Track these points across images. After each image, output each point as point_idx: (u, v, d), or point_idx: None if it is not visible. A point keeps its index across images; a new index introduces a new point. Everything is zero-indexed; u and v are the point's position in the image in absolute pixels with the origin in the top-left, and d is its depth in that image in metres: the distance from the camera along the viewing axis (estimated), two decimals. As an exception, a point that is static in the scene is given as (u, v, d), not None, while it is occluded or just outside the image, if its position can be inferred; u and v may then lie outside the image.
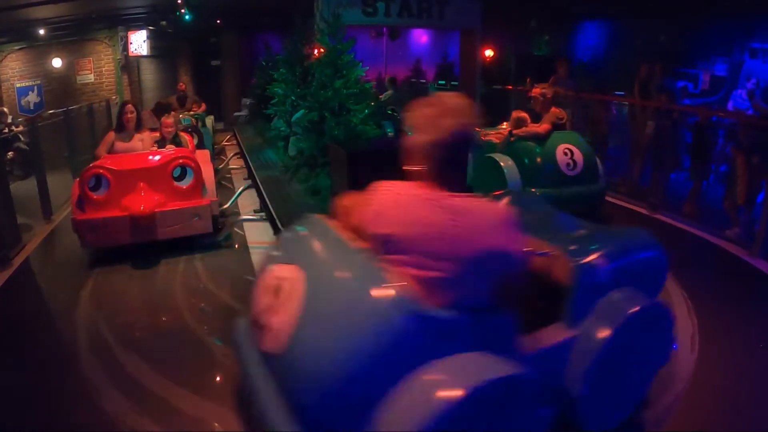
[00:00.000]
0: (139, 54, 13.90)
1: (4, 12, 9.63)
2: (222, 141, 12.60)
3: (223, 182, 8.62)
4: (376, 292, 1.84)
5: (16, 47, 12.51)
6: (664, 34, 10.51)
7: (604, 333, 2.45)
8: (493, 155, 6.15)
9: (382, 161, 4.71)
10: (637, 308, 2.52)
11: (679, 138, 7.08)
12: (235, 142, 12.19)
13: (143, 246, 5.39)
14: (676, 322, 2.83)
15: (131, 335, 3.91)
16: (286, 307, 1.96)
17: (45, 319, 4.37)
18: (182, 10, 12.01)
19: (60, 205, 7.32)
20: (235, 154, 10.74)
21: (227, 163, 10.12)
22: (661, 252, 2.96)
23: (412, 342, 1.78)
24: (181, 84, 13.12)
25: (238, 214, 6.84)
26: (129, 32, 13.52)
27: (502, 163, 6.00)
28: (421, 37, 16.43)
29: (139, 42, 13.72)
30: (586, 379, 2.41)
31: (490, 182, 5.94)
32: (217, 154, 10.60)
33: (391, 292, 1.81)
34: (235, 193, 7.45)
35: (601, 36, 12.52)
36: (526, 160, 5.93)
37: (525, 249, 2.05)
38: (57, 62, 12.96)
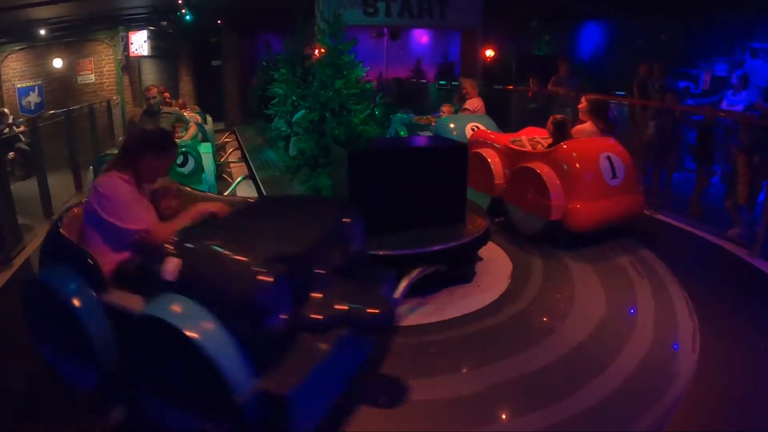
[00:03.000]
0: (140, 54, 13.90)
1: (5, 12, 9.64)
2: (222, 138, 12.61)
3: (223, 175, 8.65)
4: None
5: (17, 47, 12.51)
6: (665, 33, 10.52)
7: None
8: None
9: (383, 161, 4.73)
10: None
11: (680, 138, 7.07)
12: (234, 138, 12.24)
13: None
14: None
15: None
16: None
17: (46, 320, 4.37)
18: (183, 11, 12.01)
19: (61, 205, 7.32)
20: (235, 149, 10.77)
21: (227, 157, 10.16)
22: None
23: None
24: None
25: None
26: (130, 32, 13.52)
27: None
28: (421, 37, 16.42)
29: (139, 42, 13.72)
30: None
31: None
32: (217, 150, 10.63)
33: None
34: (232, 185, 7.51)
35: (601, 36, 12.52)
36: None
37: None
38: (58, 62, 12.97)
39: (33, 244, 6.01)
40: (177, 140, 6.25)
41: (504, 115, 9.57)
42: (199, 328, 2.31)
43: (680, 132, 7.04)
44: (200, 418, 2.45)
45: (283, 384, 2.32)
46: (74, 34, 12.81)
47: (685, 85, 9.27)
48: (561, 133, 5.77)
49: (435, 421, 2.96)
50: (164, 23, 13.60)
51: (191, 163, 6.29)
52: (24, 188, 7.66)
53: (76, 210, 3.21)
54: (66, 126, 8.48)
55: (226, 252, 2.55)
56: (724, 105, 7.56)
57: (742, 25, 9.54)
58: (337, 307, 2.71)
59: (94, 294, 2.77)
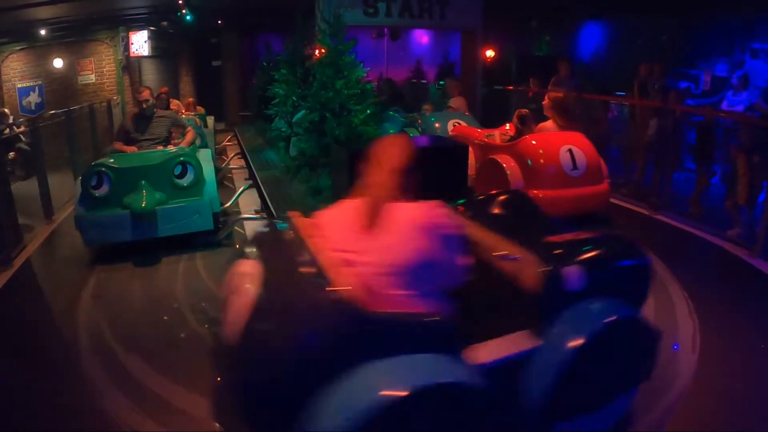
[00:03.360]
0: (141, 54, 13.91)
1: (5, 12, 9.63)
2: (223, 141, 12.61)
3: (224, 182, 8.63)
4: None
5: (18, 48, 12.51)
6: (665, 34, 10.52)
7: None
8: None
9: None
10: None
11: (681, 138, 7.07)
12: (235, 142, 12.22)
13: (144, 244, 5.44)
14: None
15: (132, 335, 3.92)
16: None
17: (46, 320, 4.37)
18: (183, 11, 12.00)
19: (61, 205, 7.33)
20: (236, 154, 10.76)
21: (228, 163, 10.13)
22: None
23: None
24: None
25: (239, 213, 6.85)
26: (130, 33, 13.52)
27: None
28: (422, 37, 16.42)
29: (140, 42, 13.72)
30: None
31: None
32: (218, 155, 10.61)
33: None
34: (235, 192, 7.47)
35: (602, 36, 12.52)
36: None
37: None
38: (58, 63, 12.97)
39: (33, 244, 6.02)
40: (174, 147, 6.05)
41: (504, 115, 9.58)
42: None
43: (680, 132, 7.03)
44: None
45: None
46: (75, 35, 12.81)
47: (686, 86, 9.27)
48: (525, 126, 6.27)
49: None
50: (164, 23, 13.61)
51: (190, 175, 5.60)
52: (24, 188, 7.66)
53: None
54: (66, 126, 8.48)
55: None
56: (724, 105, 7.56)
57: (743, 26, 9.55)
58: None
59: None
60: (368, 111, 6.03)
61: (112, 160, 5.54)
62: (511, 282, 2.36)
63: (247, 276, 2.10)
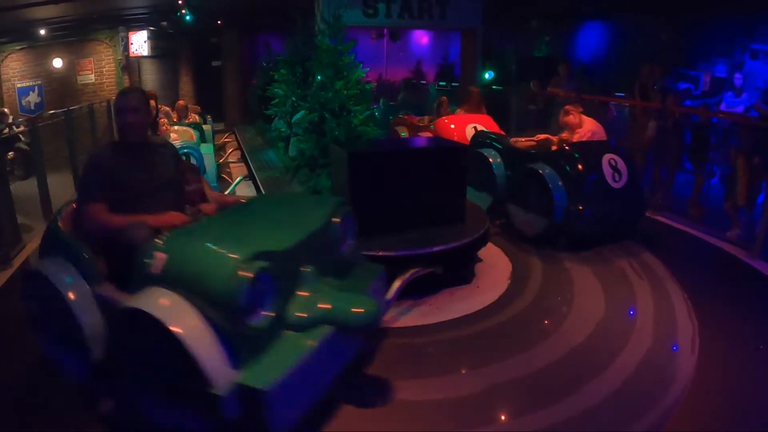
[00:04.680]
0: (140, 54, 13.92)
1: (5, 12, 9.64)
2: (222, 139, 12.61)
3: (223, 176, 8.65)
4: None
5: (17, 47, 12.52)
6: (665, 35, 10.51)
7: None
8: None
9: (381, 161, 4.74)
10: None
11: (680, 139, 7.07)
12: (233, 139, 12.25)
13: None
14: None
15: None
16: None
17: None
18: (183, 11, 12.01)
19: (60, 205, 7.32)
20: (235, 149, 10.79)
21: (227, 158, 10.17)
22: None
23: None
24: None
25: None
26: (130, 32, 13.53)
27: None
28: (421, 38, 16.44)
29: (139, 42, 13.73)
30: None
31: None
32: (217, 151, 10.64)
33: None
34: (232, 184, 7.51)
35: (602, 37, 12.52)
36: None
37: None
38: (58, 62, 12.97)
39: (32, 243, 6.01)
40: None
41: (504, 116, 9.59)
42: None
43: (680, 133, 7.03)
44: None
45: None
46: (74, 34, 12.82)
47: (686, 87, 9.26)
48: (442, 111, 8.35)
49: (432, 422, 2.96)
50: (164, 23, 13.62)
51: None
52: (23, 188, 7.66)
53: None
54: (66, 126, 8.47)
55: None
56: (722, 107, 7.56)
57: (742, 27, 9.54)
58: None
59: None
60: (368, 112, 6.02)
61: None
62: None
63: None
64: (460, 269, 4.71)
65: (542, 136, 6.50)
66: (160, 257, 2.58)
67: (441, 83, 13.51)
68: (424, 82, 14.57)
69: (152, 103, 6.61)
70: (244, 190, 7.40)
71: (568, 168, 5.39)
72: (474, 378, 3.39)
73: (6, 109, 10.89)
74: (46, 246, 3.25)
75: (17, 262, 5.45)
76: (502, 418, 3.08)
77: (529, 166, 5.62)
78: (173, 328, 2.32)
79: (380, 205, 4.48)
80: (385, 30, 14.39)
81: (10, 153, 8.99)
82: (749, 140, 5.84)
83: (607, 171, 5.41)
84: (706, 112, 7.34)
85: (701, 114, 7.20)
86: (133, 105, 3.06)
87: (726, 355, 3.58)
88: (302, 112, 6.93)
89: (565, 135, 6.18)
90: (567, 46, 13.02)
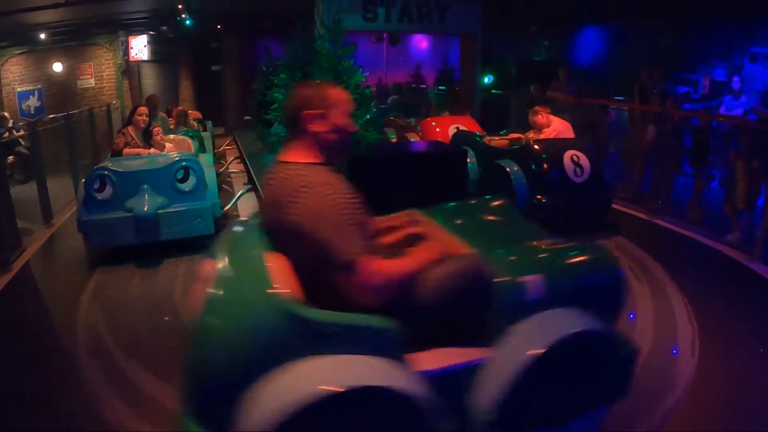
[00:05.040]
0: (140, 59, 13.92)
1: (5, 16, 9.65)
2: (222, 146, 12.62)
3: (223, 185, 8.64)
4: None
5: (17, 51, 12.53)
6: (664, 38, 10.54)
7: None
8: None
9: (382, 166, 4.75)
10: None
11: (680, 143, 7.08)
12: (234, 146, 12.24)
13: (145, 247, 5.46)
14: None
15: (132, 339, 3.91)
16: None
17: (45, 323, 4.37)
18: (183, 15, 12.03)
19: (60, 209, 7.33)
20: (235, 158, 10.77)
21: (227, 167, 10.14)
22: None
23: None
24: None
25: (238, 216, 6.84)
26: (130, 37, 13.54)
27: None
28: (421, 42, 16.46)
29: (139, 47, 13.74)
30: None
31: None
32: (217, 159, 10.62)
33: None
34: (234, 196, 7.47)
35: (601, 41, 12.55)
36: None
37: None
38: (58, 67, 12.98)
39: (32, 247, 6.01)
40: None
41: (504, 120, 9.62)
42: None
43: (680, 137, 7.04)
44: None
45: None
46: (74, 39, 12.82)
47: (685, 90, 9.28)
48: (428, 113, 9.09)
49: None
50: (164, 28, 13.62)
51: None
52: (23, 192, 7.66)
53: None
54: (66, 130, 8.48)
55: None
56: (722, 110, 7.58)
57: (741, 30, 9.56)
58: None
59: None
60: (367, 116, 6.04)
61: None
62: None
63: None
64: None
65: (514, 136, 6.93)
66: (536, 279, 2.29)
67: (441, 87, 13.52)
68: (424, 86, 14.59)
69: (142, 109, 6.56)
70: (247, 203, 7.35)
71: (533, 166, 5.92)
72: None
73: (6, 113, 10.90)
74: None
75: (17, 266, 5.44)
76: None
77: (496, 162, 6.15)
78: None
79: (380, 210, 4.47)
80: (385, 34, 14.41)
81: (10, 157, 9.00)
82: (748, 144, 5.85)
83: (569, 166, 5.86)
84: (706, 115, 7.35)
85: (701, 117, 7.21)
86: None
87: (726, 358, 3.58)
88: (302, 117, 6.94)
89: (531, 134, 6.64)
90: (566, 50, 13.06)
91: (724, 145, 6.82)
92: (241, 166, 9.90)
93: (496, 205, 3.32)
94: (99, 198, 5.31)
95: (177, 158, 5.73)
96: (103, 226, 5.30)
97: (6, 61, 12.49)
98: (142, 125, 6.37)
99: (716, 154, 6.88)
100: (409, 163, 4.84)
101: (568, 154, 5.92)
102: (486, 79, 11.01)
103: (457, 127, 8.07)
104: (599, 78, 11.33)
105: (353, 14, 8.68)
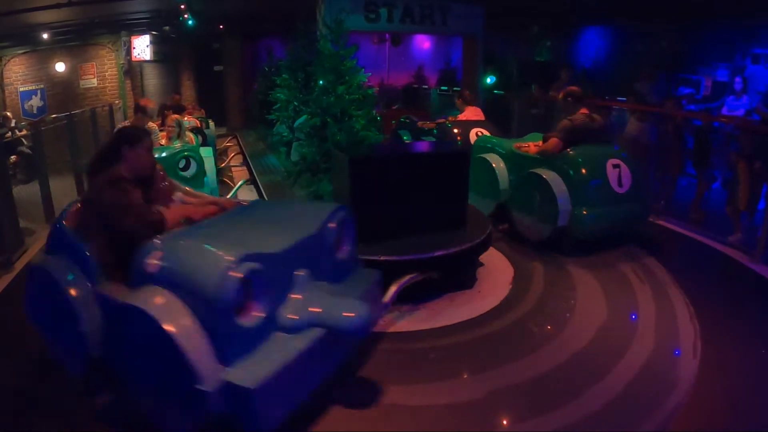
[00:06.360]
0: (142, 59, 13.94)
1: (7, 16, 9.66)
2: (223, 143, 12.64)
3: (224, 179, 8.67)
4: None
5: (20, 51, 12.55)
6: (666, 39, 10.53)
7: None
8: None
9: (384, 167, 4.74)
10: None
11: (682, 144, 7.07)
12: (235, 143, 12.27)
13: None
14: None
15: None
16: None
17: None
18: (185, 16, 12.03)
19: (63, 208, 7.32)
20: (236, 153, 10.82)
21: (228, 162, 10.18)
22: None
23: None
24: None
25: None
26: (132, 37, 13.56)
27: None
28: (423, 42, 16.47)
29: (142, 47, 13.76)
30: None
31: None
32: (219, 156, 10.65)
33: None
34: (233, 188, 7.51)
35: (603, 42, 12.54)
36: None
37: None
38: (60, 66, 13.00)
39: (35, 247, 6.02)
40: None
41: (506, 120, 9.60)
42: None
43: (681, 138, 7.04)
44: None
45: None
46: (77, 39, 12.85)
47: (689, 92, 9.28)
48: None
49: (432, 426, 2.96)
50: (166, 28, 13.64)
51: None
52: (26, 192, 7.66)
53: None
54: (68, 130, 8.49)
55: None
56: (724, 111, 7.58)
57: (743, 31, 9.56)
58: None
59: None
60: (369, 117, 6.03)
61: None
62: None
63: None
64: (459, 274, 4.71)
65: (441, 120, 8.32)
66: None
67: (443, 88, 13.53)
68: (426, 86, 14.60)
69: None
70: (246, 195, 7.41)
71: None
72: (476, 383, 3.38)
73: (9, 113, 10.92)
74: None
75: (19, 266, 5.45)
76: (504, 423, 3.08)
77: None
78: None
79: (382, 210, 4.48)
80: (387, 35, 14.41)
81: (12, 157, 9.01)
82: (750, 145, 5.84)
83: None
84: (708, 116, 7.35)
85: (702, 118, 7.21)
86: None
87: (728, 360, 3.58)
88: (304, 117, 6.94)
89: (451, 118, 8.16)
90: (568, 50, 13.05)
91: (726, 146, 6.82)
92: (240, 158, 9.93)
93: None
94: None
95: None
96: None
97: (9, 60, 12.51)
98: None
99: (716, 155, 6.87)
100: (410, 164, 4.83)
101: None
102: (488, 80, 11.00)
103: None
104: (601, 79, 11.33)
105: (355, 15, 8.67)
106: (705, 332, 3.87)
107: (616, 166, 5.41)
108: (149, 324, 2.42)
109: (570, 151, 5.49)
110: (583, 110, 5.70)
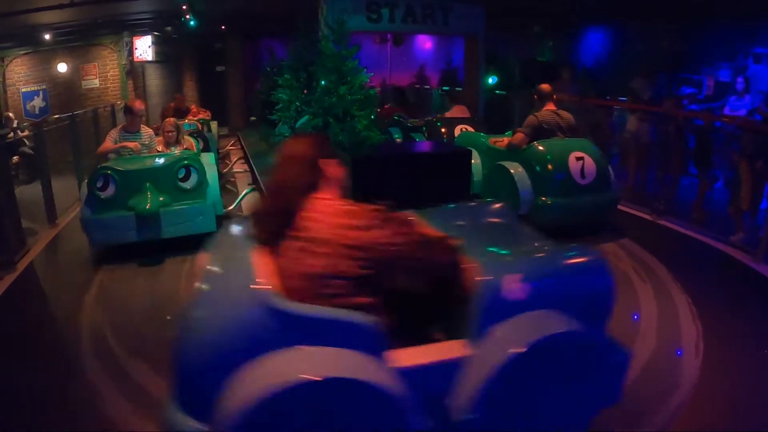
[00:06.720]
0: (144, 59, 13.96)
1: (9, 17, 9.68)
2: (226, 146, 12.65)
3: (227, 186, 8.66)
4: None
5: (22, 52, 12.57)
6: (668, 39, 10.52)
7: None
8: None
9: (386, 167, 4.76)
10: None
11: (684, 144, 7.07)
12: (239, 146, 12.26)
13: (148, 246, 5.49)
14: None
15: (136, 339, 3.92)
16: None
17: (49, 323, 4.39)
18: (187, 16, 12.04)
19: (65, 209, 7.35)
20: (239, 159, 10.80)
21: (231, 168, 10.17)
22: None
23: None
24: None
25: (242, 215, 6.87)
26: (134, 38, 13.57)
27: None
28: (425, 43, 16.48)
29: (144, 47, 13.77)
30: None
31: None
32: (221, 158, 10.64)
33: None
34: (238, 195, 7.49)
35: (605, 41, 12.53)
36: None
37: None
38: (62, 67, 13.02)
39: (37, 248, 6.04)
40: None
41: (507, 119, 9.61)
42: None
43: (683, 137, 7.04)
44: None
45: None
46: (79, 39, 12.86)
47: (690, 92, 9.27)
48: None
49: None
50: (168, 29, 13.65)
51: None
52: (28, 192, 7.69)
53: None
54: (70, 130, 8.51)
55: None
56: (726, 110, 7.57)
57: (745, 31, 9.55)
58: None
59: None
60: (372, 117, 6.04)
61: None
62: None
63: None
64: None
65: (429, 118, 9.00)
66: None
67: (444, 88, 13.53)
68: (428, 86, 14.60)
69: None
70: (250, 203, 7.38)
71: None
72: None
73: (11, 114, 10.94)
74: None
75: (21, 266, 5.46)
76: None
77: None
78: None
79: (384, 210, 4.48)
80: (389, 35, 14.41)
81: (14, 157, 9.03)
82: (752, 144, 5.84)
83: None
84: (709, 115, 7.34)
85: (703, 118, 7.21)
86: None
87: (730, 359, 3.58)
88: (306, 117, 6.95)
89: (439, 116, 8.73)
90: (570, 50, 13.04)
91: (728, 146, 6.81)
92: (245, 166, 9.91)
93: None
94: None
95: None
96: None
97: (11, 61, 12.53)
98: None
99: (718, 155, 6.87)
100: (412, 164, 4.84)
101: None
102: (490, 80, 10.99)
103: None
104: (603, 79, 11.32)
105: (357, 15, 8.68)
106: (707, 332, 3.87)
107: (579, 158, 5.75)
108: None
109: (535, 145, 5.89)
110: (550, 106, 6.14)
